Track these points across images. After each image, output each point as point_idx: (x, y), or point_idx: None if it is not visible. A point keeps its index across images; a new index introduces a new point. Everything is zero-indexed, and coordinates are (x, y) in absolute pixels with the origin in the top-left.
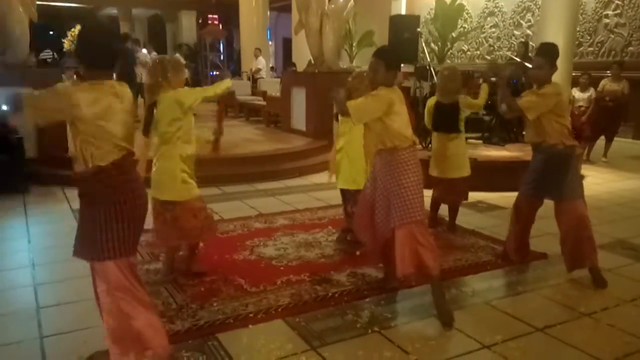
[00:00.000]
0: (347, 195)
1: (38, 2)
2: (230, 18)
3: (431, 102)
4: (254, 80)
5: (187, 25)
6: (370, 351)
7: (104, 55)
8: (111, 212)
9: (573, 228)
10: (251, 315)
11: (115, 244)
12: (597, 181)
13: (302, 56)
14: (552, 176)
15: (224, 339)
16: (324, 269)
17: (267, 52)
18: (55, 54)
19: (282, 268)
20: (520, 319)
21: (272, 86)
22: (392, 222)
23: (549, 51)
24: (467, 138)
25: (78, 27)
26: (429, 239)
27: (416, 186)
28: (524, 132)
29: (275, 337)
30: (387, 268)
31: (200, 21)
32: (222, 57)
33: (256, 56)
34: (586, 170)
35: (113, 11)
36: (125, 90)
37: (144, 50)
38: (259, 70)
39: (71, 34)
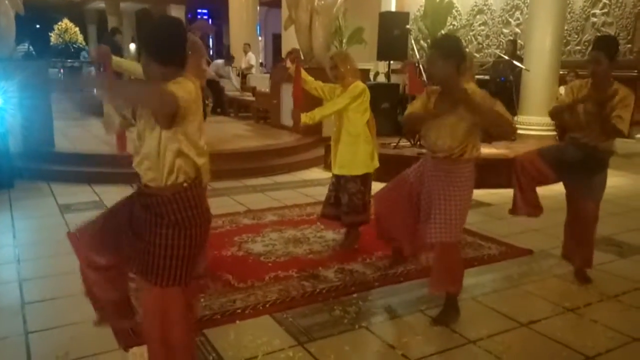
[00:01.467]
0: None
1: None
2: (220, 13)
3: None
4: (243, 76)
5: None
6: (357, 346)
7: (181, 50)
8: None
9: (579, 221)
10: (239, 311)
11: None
12: None
13: None
14: (584, 173)
15: (211, 334)
16: (312, 265)
17: (257, 48)
18: (30, 47)
19: (270, 264)
20: (505, 315)
21: (261, 82)
22: (434, 235)
23: (607, 44)
24: None
25: (65, 20)
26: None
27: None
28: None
29: (263, 333)
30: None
31: (189, 16)
32: (211, 52)
33: (245, 52)
34: None
35: (101, 5)
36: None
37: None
38: (250, 67)
39: (58, 28)
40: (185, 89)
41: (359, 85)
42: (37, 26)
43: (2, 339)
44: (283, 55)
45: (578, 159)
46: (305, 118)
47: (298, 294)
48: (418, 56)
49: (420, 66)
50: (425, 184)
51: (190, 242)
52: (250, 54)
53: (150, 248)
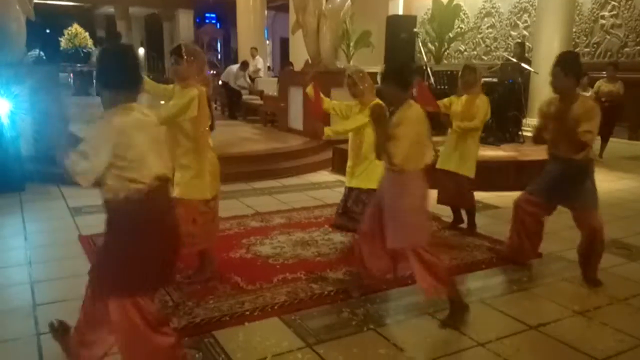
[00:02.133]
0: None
1: (35, 1)
2: (228, 17)
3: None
4: (252, 80)
5: (184, 24)
6: (365, 348)
7: (126, 76)
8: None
9: (586, 237)
10: (247, 312)
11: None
12: None
13: (300, 56)
14: (569, 185)
15: (220, 336)
16: (320, 267)
17: (264, 52)
18: (42, 52)
19: (278, 266)
20: (514, 317)
21: (269, 85)
22: (389, 242)
23: (564, 61)
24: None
25: (75, 25)
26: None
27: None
28: (519, 132)
29: (271, 335)
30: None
31: (197, 20)
32: (219, 56)
33: (253, 56)
34: None
35: (110, 10)
36: None
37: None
38: (258, 70)
39: (68, 33)
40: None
41: (378, 103)
42: (47, 31)
43: (14, 340)
44: (291, 59)
45: (559, 172)
46: (329, 131)
47: (306, 296)
48: (425, 59)
49: (429, 69)
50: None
51: (132, 250)
52: (258, 57)
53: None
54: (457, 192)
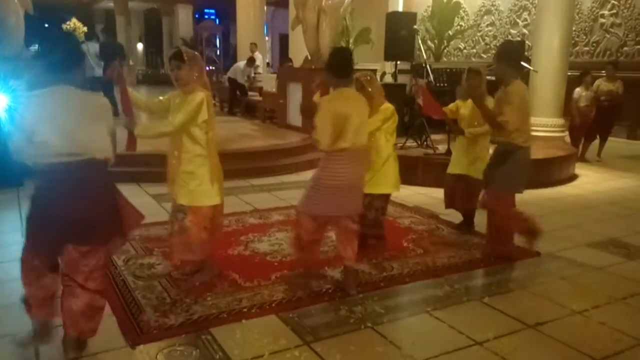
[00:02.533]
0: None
1: None
2: (227, 13)
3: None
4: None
5: (183, 20)
6: (362, 346)
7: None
8: None
9: (488, 217)
10: (245, 310)
11: None
12: (590, 180)
13: (299, 52)
14: (490, 165)
15: (218, 333)
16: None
17: (264, 48)
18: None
19: (276, 263)
20: (512, 316)
21: (268, 82)
22: None
23: (498, 48)
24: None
25: (74, 20)
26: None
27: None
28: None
29: (269, 332)
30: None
31: (197, 15)
32: (218, 52)
33: (252, 52)
34: (580, 169)
35: (109, 4)
36: None
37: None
38: (257, 66)
39: (66, 27)
40: None
41: (389, 107)
42: (46, 25)
43: (10, 335)
44: (290, 55)
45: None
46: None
47: (304, 294)
48: (425, 57)
49: (428, 67)
50: None
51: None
52: (257, 53)
53: None
54: (467, 195)
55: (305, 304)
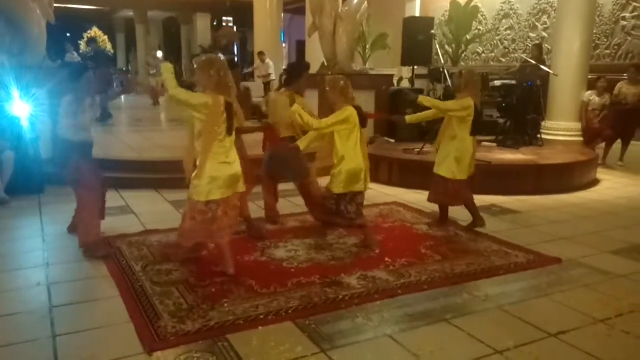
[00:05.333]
0: None
1: (55, 5)
2: (245, 20)
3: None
4: (264, 84)
5: (201, 28)
6: (380, 355)
7: None
8: None
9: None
10: (261, 316)
11: None
12: (612, 185)
13: (316, 58)
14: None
15: (234, 340)
16: (334, 271)
17: (281, 54)
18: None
19: (292, 270)
20: (533, 325)
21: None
22: None
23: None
24: (481, 141)
25: (94, 29)
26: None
27: None
28: (538, 135)
29: (285, 339)
30: None
31: (215, 23)
32: (237, 59)
33: (262, 60)
34: (602, 174)
35: (129, 13)
36: None
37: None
38: (269, 75)
39: (87, 36)
40: None
41: (345, 110)
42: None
43: (30, 341)
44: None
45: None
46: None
47: (320, 301)
48: (443, 61)
49: (446, 71)
50: None
51: None
52: (268, 61)
53: None
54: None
55: (322, 311)
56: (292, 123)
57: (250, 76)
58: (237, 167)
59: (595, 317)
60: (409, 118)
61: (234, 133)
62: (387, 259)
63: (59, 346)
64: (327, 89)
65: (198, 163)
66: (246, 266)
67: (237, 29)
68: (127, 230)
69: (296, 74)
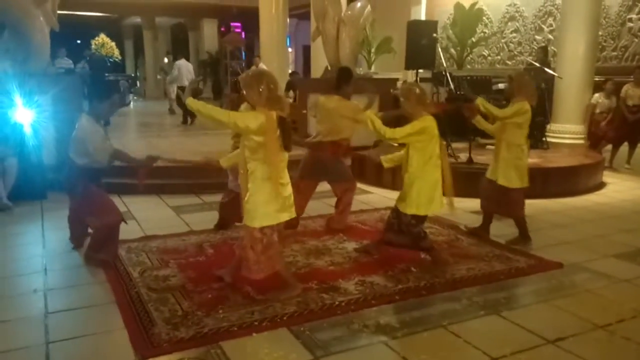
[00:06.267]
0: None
1: (63, 12)
2: (253, 26)
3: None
4: None
5: (208, 34)
6: None
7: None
8: None
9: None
10: (256, 323)
11: None
12: (619, 188)
13: (320, 63)
14: None
15: (228, 347)
16: (332, 276)
17: (286, 59)
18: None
19: None
20: (531, 331)
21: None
22: None
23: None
24: (486, 144)
25: (102, 35)
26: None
27: None
28: (544, 138)
29: (279, 346)
30: None
31: (222, 29)
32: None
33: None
34: (608, 177)
35: (137, 20)
36: None
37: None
38: None
39: (95, 43)
40: None
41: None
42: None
43: (23, 348)
44: (312, 66)
45: None
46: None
47: (317, 307)
48: (445, 64)
49: (448, 75)
50: None
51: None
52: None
53: None
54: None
55: (318, 317)
56: (340, 128)
57: None
58: (290, 188)
59: (596, 323)
60: (477, 122)
61: (290, 149)
62: (385, 264)
63: (52, 353)
64: (402, 99)
65: (249, 185)
66: None
67: (244, 35)
68: (127, 236)
69: (344, 80)
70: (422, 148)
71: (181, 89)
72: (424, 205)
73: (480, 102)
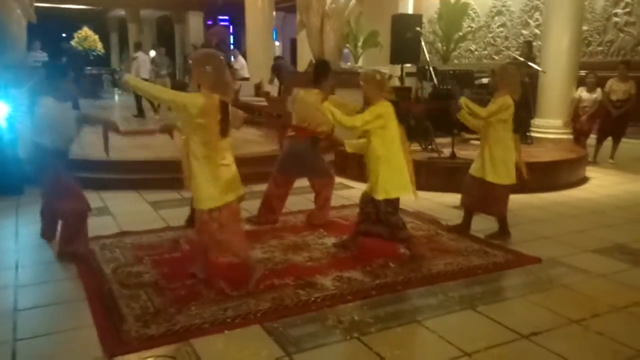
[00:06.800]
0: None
1: (47, 5)
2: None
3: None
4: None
5: (194, 27)
6: (347, 358)
7: None
8: None
9: None
10: (229, 320)
11: None
12: (602, 183)
13: (307, 56)
14: None
15: (198, 344)
16: (309, 272)
17: (272, 53)
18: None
19: (266, 272)
20: (506, 326)
21: (275, 87)
22: None
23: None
24: (469, 139)
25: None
26: None
27: None
28: (528, 133)
29: (251, 343)
30: None
31: (210, 22)
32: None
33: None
34: (592, 172)
35: (122, 13)
36: None
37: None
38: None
39: (77, 36)
40: None
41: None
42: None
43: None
44: (298, 59)
45: None
46: None
47: (292, 303)
48: (428, 59)
49: (431, 69)
50: None
51: None
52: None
53: None
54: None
55: (293, 313)
56: (319, 122)
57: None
58: (234, 169)
59: (570, 318)
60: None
61: (228, 134)
62: (364, 259)
63: (18, 350)
64: (362, 83)
65: (193, 168)
66: (219, 267)
67: (232, 28)
68: (103, 232)
69: (323, 73)
70: (382, 134)
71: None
72: (393, 188)
73: (464, 101)
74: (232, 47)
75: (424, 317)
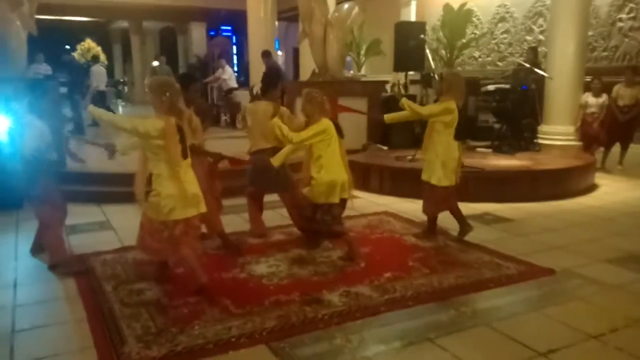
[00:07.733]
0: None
1: (50, 17)
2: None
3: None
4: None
5: (197, 37)
6: None
7: None
8: None
9: None
10: (233, 339)
11: None
12: (611, 190)
13: (309, 65)
14: None
15: None
16: (316, 287)
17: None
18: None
19: (271, 287)
20: (521, 342)
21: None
22: None
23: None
24: (476, 147)
25: (87, 40)
26: None
27: None
28: (535, 140)
29: None
30: None
31: (213, 33)
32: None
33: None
34: (600, 178)
35: (125, 24)
36: None
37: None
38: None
39: (80, 48)
40: None
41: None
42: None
43: None
44: (300, 69)
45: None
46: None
47: (298, 321)
48: (433, 66)
49: (436, 76)
50: None
51: None
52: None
53: None
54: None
55: (299, 332)
56: (272, 133)
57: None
58: (195, 187)
59: (588, 333)
60: (387, 117)
61: (188, 155)
62: (372, 273)
63: None
64: (304, 102)
65: (154, 185)
66: (223, 284)
67: (235, 38)
68: (104, 247)
69: (272, 84)
70: (325, 147)
71: (101, 94)
72: (326, 196)
73: (405, 101)
74: (234, 56)
75: (437, 335)
